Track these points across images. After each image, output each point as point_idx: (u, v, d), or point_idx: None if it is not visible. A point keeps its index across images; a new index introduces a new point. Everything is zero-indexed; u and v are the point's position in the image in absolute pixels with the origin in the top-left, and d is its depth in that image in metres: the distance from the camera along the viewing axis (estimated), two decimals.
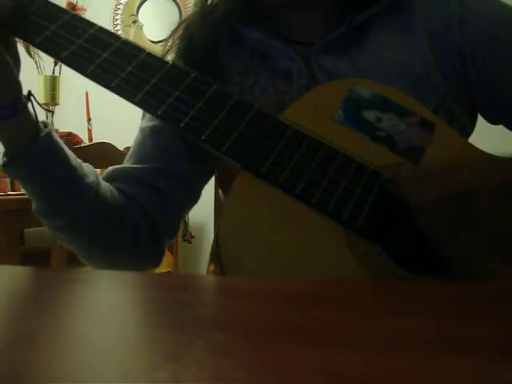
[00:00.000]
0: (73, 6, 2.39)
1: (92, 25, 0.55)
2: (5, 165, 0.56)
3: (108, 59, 0.53)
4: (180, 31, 0.67)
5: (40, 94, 2.11)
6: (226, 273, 0.46)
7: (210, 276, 0.48)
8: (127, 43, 0.55)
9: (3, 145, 0.56)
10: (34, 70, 2.17)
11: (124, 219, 0.62)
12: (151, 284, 0.33)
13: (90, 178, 0.59)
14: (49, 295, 0.27)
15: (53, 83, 2.11)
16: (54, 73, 2.22)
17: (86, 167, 0.60)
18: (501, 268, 0.46)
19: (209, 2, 0.66)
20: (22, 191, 2.56)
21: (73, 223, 0.59)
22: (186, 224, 2.42)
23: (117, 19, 2.83)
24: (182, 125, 0.50)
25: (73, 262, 1.61)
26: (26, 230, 2.12)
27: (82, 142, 2.27)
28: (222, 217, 0.48)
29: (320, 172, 0.49)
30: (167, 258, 2.18)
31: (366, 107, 0.53)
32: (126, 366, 0.17)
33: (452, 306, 0.26)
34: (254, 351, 0.18)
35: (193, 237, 2.46)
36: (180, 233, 2.26)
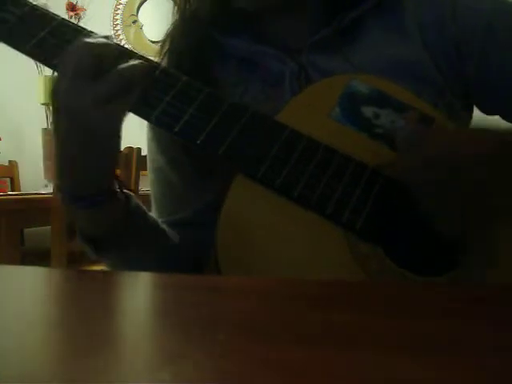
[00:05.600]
0: (73, 6, 2.40)
1: (81, 30, 0.54)
2: (90, 252, 0.54)
3: None
4: (167, 45, 0.65)
5: (40, 94, 2.11)
6: (223, 274, 0.46)
7: (212, 276, 0.48)
8: None
9: (81, 232, 0.53)
10: (34, 70, 2.17)
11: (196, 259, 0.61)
12: (153, 284, 0.32)
13: (169, 235, 0.59)
14: (49, 295, 0.27)
15: (53, 83, 2.11)
16: (54, 73, 2.21)
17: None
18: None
19: (187, 7, 0.64)
20: (22, 191, 2.54)
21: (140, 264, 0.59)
22: None
23: (117, 19, 2.83)
24: (176, 130, 0.49)
25: (73, 262, 1.61)
26: (26, 230, 2.11)
27: None
28: (221, 219, 0.48)
29: (318, 174, 0.48)
30: None
31: (364, 103, 0.52)
32: (126, 366, 0.17)
33: (452, 308, 0.26)
34: (256, 351, 0.18)
35: None
36: None
